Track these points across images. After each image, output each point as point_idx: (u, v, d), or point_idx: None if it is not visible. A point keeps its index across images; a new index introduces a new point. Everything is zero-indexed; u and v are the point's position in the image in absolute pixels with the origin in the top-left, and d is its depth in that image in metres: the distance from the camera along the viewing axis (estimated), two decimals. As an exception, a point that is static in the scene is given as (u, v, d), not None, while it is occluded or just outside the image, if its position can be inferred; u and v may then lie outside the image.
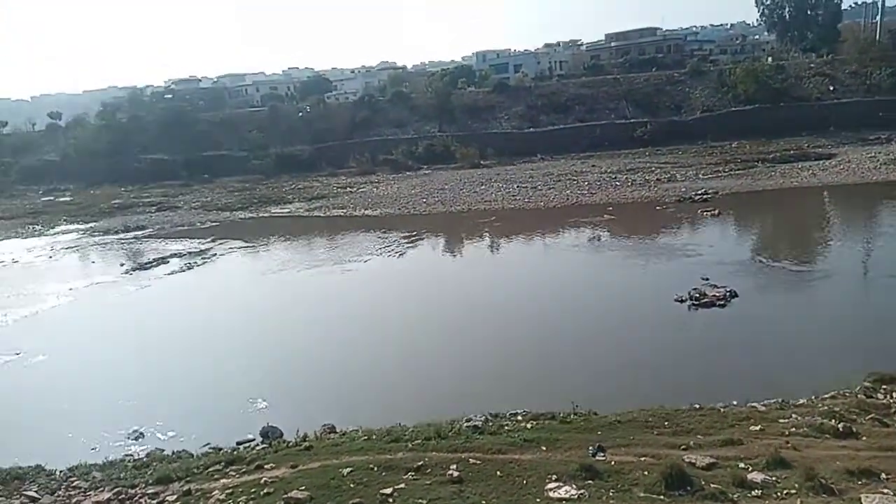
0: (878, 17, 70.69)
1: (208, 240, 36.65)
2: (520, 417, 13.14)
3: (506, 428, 12.41)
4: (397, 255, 30.19)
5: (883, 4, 70.63)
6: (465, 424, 12.59)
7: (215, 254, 33.48)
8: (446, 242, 32.90)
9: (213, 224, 41.59)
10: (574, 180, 42.65)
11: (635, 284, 23.10)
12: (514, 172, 48.00)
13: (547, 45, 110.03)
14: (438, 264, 29.47)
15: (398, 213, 39.04)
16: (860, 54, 58.06)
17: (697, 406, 13.06)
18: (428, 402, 14.76)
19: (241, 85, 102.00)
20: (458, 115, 63.31)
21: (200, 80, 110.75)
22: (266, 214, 43.79)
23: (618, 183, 40.64)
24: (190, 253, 33.79)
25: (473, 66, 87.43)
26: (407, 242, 32.12)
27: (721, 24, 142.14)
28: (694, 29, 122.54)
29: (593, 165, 47.52)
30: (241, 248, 34.87)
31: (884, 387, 13.21)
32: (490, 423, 12.74)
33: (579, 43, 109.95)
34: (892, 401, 12.55)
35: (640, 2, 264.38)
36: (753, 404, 13.04)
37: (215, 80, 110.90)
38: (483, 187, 43.29)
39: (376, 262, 29.01)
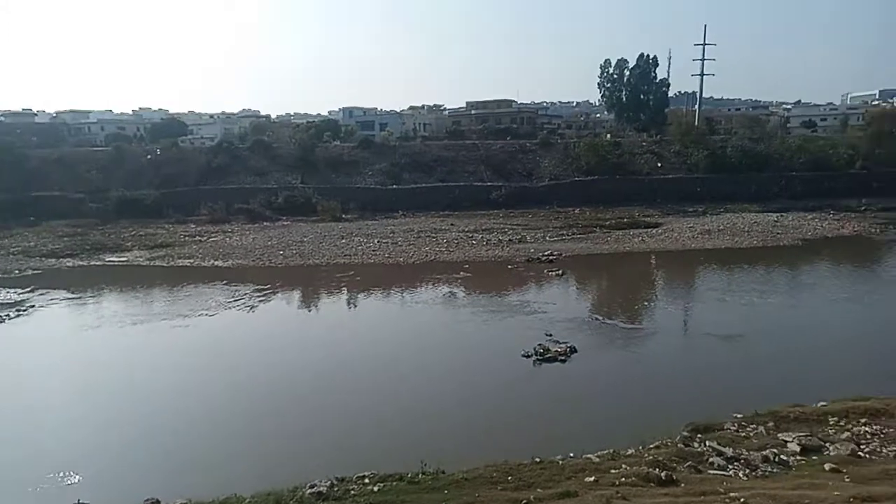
0: (696, 107, 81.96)
1: (27, 289, 32.50)
2: (367, 480, 12.73)
3: (352, 492, 12.01)
4: (247, 308, 28.68)
5: (700, 96, 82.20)
6: (309, 491, 12.00)
7: (33, 305, 29.70)
8: (302, 297, 31.89)
9: (35, 272, 37.05)
10: (434, 237, 43.71)
11: (487, 340, 23.77)
12: (376, 227, 48.28)
13: (412, 108, 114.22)
14: (290, 319, 28.37)
15: (252, 265, 37.37)
16: (682, 136, 66.40)
17: (538, 460, 13.50)
18: (267, 468, 13.85)
19: (84, 122, 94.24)
20: (322, 168, 62.98)
21: (36, 115, 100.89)
22: (99, 262, 39.87)
23: (474, 242, 42.25)
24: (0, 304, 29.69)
25: (340, 121, 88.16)
26: (259, 296, 30.70)
27: (568, 102, 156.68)
28: (545, 104, 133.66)
29: (452, 224, 49.15)
30: (66, 299, 31.24)
31: (699, 435, 14.52)
32: (336, 488, 12.24)
33: (442, 108, 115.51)
34: (705, 448, 13.80)
35: (498, 76, 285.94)
36: (589, 456, 13.72)
37: (54, 114, 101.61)
38: (343, 241, 42.95)
39: (222, 317, 27.31)
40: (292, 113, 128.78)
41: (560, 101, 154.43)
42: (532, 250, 39.16)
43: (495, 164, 63.13)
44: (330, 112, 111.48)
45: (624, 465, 12.96)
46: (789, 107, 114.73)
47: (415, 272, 35.17)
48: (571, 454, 13.79)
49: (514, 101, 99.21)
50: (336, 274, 34.65)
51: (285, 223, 52.00)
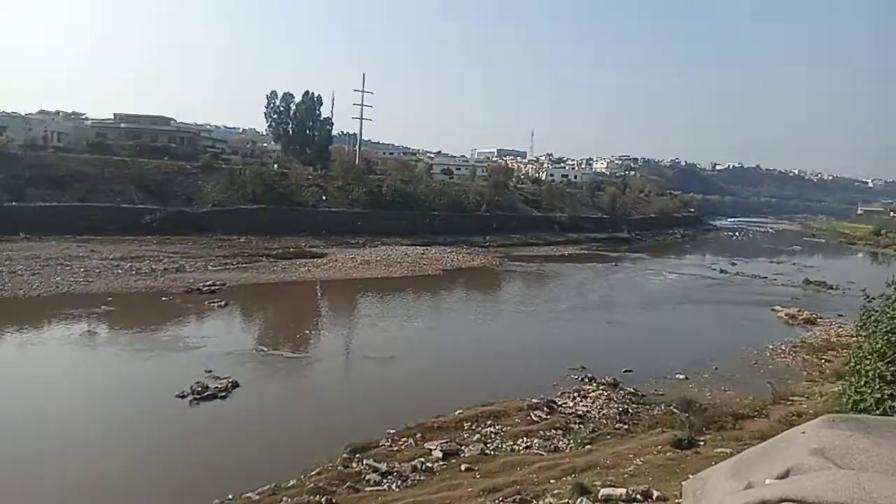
0: (356, 147, 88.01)
1: None
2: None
3: None
4: None
5: (360, 138, 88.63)
6: None
7: None
8: None
9: None
10: (67, 266, 37.05)
11: (133, 383, 20.90)
12: (-17, 253, 38.73)
13: (43, 112, 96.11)
14: None
15: None
16: (345, 174, 70.50)
17: (192, 509, 12.33)
18: None
19: None
20: None
21: None
22: None
23: (120, 271, 37.25)
24: None
25: (-69, 118, 68.86)
26: None
27: (234, 127, 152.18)
28: (208, 127, 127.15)
29: (92, 251, 42.44)
30: None
31: (357, 455, 15.14)
32: None
33: (84, 117, 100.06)
34: (363, 467, 14.45)
35: (152, 90, 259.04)
36: (249, 495, 13.08)
37: None
38: (-71, 270, 33.28)
39: None
40: None
41: (225, 126, 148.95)
42: (192, 280, 36.31)
43: (149, 185, 57.01)
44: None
45: (285, 498, 12.71)
46: (433, 155, 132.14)
47: (39, 307, 29.18)
48: (230, 496, 12.96)
49: (172, 118, 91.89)
50: (-85, 312, 26.53)
51: None
